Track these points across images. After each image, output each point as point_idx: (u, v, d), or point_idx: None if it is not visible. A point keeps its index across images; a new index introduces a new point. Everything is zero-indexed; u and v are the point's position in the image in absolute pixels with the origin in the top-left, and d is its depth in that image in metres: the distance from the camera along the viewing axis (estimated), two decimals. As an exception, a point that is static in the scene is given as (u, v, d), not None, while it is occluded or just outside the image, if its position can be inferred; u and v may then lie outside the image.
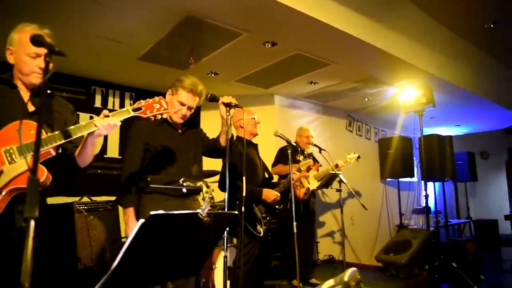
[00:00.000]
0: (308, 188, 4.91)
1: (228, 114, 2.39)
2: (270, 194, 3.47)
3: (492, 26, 5.33)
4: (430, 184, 8.82)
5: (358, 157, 5.46)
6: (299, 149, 3.73)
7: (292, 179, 3.45)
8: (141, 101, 1.99)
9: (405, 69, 5.15)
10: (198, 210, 1.51)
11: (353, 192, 4.87)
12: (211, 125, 6.24)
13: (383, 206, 7.95)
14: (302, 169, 3.90)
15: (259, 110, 6.11)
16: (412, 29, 5.03)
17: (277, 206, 3.56)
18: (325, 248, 6.60)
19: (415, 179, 8.13)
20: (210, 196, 1.54)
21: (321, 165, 5.23)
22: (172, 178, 2.01)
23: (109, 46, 4.22)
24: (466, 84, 6.13)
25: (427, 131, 8.90)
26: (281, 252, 4.96)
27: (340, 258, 5.82)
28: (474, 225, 8.70)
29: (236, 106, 2.47)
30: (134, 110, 1.91)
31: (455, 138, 8.40)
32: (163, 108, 1.98)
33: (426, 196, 5.70)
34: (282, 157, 4.85)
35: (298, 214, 3.73)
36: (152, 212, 1.30)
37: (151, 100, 1.98)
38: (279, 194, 3.52)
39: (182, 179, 1.58)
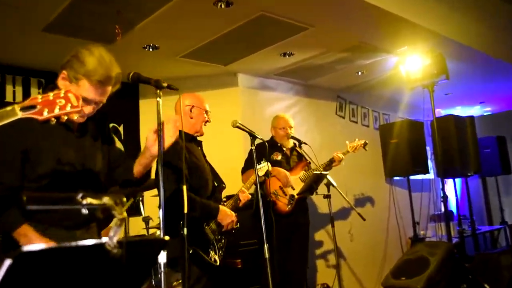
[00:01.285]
0: (292, 196, 4.86)
1: (158, 97, 2.30)
2: (226, 216, 3.45)
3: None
4: (449, 182, 8.89)
5: (365, 143, 5.48)
6: (266, 145, 3.66)
7: (257, 185, 3.39)
8: (37, 96, 1.71)
9: (408, 30, 5.14)
10: (104, 239, 1.37)
11: (345, 198, 4.84)
12: (155, 119, 6.15)
13: (390, 213, 7.98)
14: (260, 174, 3.85)
15: (218, 94, 6.06)
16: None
17: (234, 226, 3.54)
18: (318, 275, 6.57)
19: (430, 175, 8.19)
20: (121, 218, 1.40)
21: (309, 163, 5.20)
22: (66, 193, 1.88)
23: (0, 13, 4.04)
24: (489, 48, 6.18)
25: (442, 112, 8.98)
26: (260, 285, 4.93)
27: (336, 286, 5.78)
28: (511, 231, 8.83)
29: (169, 87, 2.37)
30: (24, 109, 1.70)
31: (479, 119, 8.51)
32: (69, 105, 1.73)
33: (445, 198, 5.71)
34: (250, 161, 4.79)
35: (281, 231, 3.77)
36: (25, 247, 1.15)
37: (52, 94, 1.72)
38: (235, 217, 3.51)
39: (80, 195, 1.43)
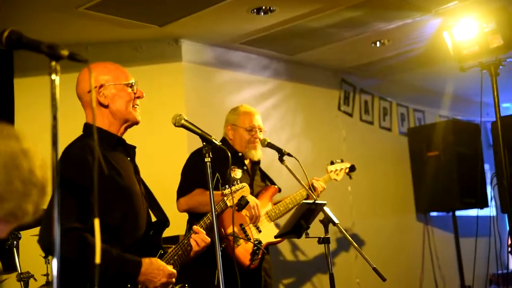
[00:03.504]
0: (258, 243, 4.86)
1: (53, 73, 2.25)
2: (155, 273, 3.34)
3: None
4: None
5: (351, 168, 5.54)
6: (229, 155, 3.66)
7: (215, 223, 3.38)
8: None
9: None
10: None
11: (354, 244, 4.81)
12: (40, 109, 6.09)
13: (425, 269, 8.05)
14: (228, 204, 3.85)
15: (149, 72, 6.07)
16: None
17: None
18: None
19: (489, 211, 8.24)
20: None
21: (279, 190, 5.21)
22: None
23: None
24: None
25: (510, 108, 9.09)
26: None
27: None
28: None
29: (72, 56, 2.32)
30: None
31: None
32: None
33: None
34: (195, 173, 4.78)
35: None
36: None
37: None
38: (175, 273, 3.43)
39: None
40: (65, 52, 2.37)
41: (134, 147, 3.61)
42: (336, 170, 5.48)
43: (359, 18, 6.08)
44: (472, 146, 7.84)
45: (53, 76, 2.31)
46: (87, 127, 3.47)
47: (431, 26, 6.34)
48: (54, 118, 2.30)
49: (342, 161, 5.59)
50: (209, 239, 3.64)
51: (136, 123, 3.51)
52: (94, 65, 3.45)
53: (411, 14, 6.04)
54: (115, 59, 5.34)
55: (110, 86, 3.43)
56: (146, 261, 3.31)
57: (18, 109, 6.03)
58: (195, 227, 3.62)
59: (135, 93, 3.47)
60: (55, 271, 2.12)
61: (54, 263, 2.12)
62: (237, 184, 3.92)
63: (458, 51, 5.46)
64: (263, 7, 5.67)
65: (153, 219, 3.61)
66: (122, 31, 5.93)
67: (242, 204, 3.85)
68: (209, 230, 3.64)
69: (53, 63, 2.36)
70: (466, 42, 5.40)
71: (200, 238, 3.59)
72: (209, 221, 3.69)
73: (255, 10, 5.72)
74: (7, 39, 2.37)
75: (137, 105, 3.50)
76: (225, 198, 3.77)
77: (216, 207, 3.63)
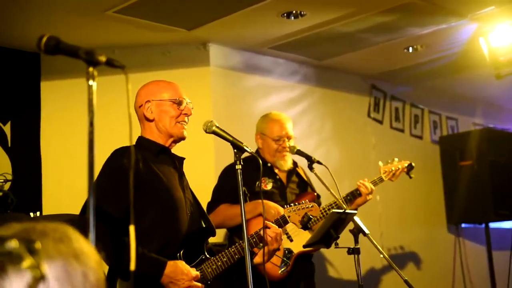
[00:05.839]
0: (289, 252, 4.90)
1: (91, 80, 2.29)
2: (179, 276, 3.42)
3: None
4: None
5: (410, 167, 5.45)
6: (260, 162, 3.67)
7: (251, 240, 3.45)
8: None
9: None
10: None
11: (384, 254, 4.83)
12: (68, 113, 6.15)
13: (456, 282, 8.03)
14: (290, 221, 3.93)
15: (177, 76, 6.05)
16: None
17: None
18: None
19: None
20: (39, 274, 1.44)
21: (319, 196, 5.23)
22: None
23: None
24: None
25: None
26: None
27: None
28: None
29: (110, 62, 2.36)
30: None
31: None
32: None
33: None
34: (228, 186, 4.83)
35: None
36: None
37: None
38: (196, 275, 3.50)
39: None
40: (102, 58, 2.41)
41: (183, 158, 3.82)
42: (391, 170, 5.33)
43: (391, 23, 6.10)
44: (507, 156, 7.82)
45: (90, 82, 2.35)
46: (139, 139, 3.71)
47: (467, 32, 6.32)
48: (91, 124, 2.34)
49: (396, 159, 5.41)
50: (280, 230, 3.70)
51: (182, 138, 3.72)
52: (152, 82, 3.77)
53: (445, 19, 6.05)
54: (142, 63, 5.45)
55: (156, 102, 3.62)
56: (170, 263, 3.43)
57: (45, 111, 6.14)
58: (267, 222, 3.67)
59: (182, 110, 3.59)
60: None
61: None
62: (304, 203, 3.96)
63: (495, 58, 5.47)
64: (294, 11, 5.69)
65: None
66: (150, 34, 5.98)
67: (305, 221, 3.89)
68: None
69: (91, 69, 2.40)
70: (503, 49, 5.41)
71: (271, 231, 3.65)
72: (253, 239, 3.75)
73: (285, 15, 5.74)
74: (45, 45, 2.43)
75: (184, 121, 3.68)
76: (287, 215, 3.83)
77: (274, 221, 3.80)
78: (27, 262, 1.47)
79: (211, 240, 3.89)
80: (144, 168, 3.43)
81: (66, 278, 1.67)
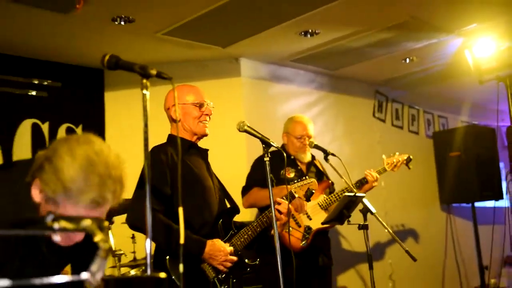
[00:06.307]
0: (309, 228, 4.92)
1: (144, 90, 2.32)
2: (216, 252, 3.47)
3: None
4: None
5: (408, 159, 5.43)
6: (284, 155, 3.68)
7: (275, 217, 3.42)
8: None
9: (477, 2, 5.17)
10: (84, 275, 1.45)
11: (388, 229, 4.84)
12: (125, 118, 6.22)
13: (447, 253, 8.01)
14: (296, 195, 3.85)
15: (213, 86, 6.12)
16: None
17: (247, 261, 3.59)
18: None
19: (504, 202, 8.18)
20: (108, 247, 1.48)
21: (332, 183, 5.22)
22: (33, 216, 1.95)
23: None
24: None
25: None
26: None
27: None
28: None
29: (159, 75, 2.39)
30: None
31: None
32: None
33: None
34: (258, 174, 4.83)
35: (298, 272, 3.77)
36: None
37: None
38: (231, 250, 3.54)
39: (51, 217, 1.50)
40: (153, 72, 2.48)
41: (207, 150, 3.79)
42: (393, 162, 5.31)
43: (391, 39, 6.08)
44: (489, 148, 7.79)
45: (144, 91, 2.41)
46: (169, 137, 3.73)
47: (454, 45, 6.31)
48: (146, 125, 2.40)
49: (398, 153, 5.39)
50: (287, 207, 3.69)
51: (205, 135, 3.71)
52: (177, 87, 3.59)
53: (436, 35, 6.03)
54: (185, 75, 5.47)
55: (181, 105, 3.60)
56: (209, 242, 3.47)
57: (108, 115, 6.29)
58: (278, 198, 3.69)
59: (203, 111, 3.62)
60: (148, 247, 2.23)
61: (147, 242, 2.23)
62: (306, 179, 3.92)
63: (478, 66, 5.43)
64: (310, 30, 5.70)
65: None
66: (191, 51, 6.01)
67: (308, 194, 3.87)
68: (263, 221, 3.73)
69: (144, 80, 2.46)
70: (484, 59, 5.36)
71: (282, 206, 3.65)
72: (270, 214, 3.74)
73: (303, 33, 5.75)
74: (108, 62, 2.50)
75: (206, 120, 3.67)
76: (293, 191, 3.78)
77: (285, 197, 3.71)
78: (98, 236, 1.52)
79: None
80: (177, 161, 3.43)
81: (88, 166, 2.03)
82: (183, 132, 3.63)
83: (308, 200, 4.05)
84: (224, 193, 3.78)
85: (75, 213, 2.00)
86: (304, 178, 3.93)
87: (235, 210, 3.79)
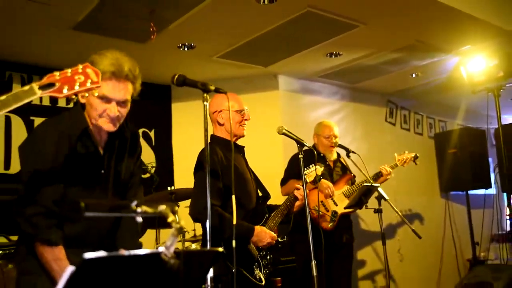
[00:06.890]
0: (335, 212, 4.89)
1: (205, 101, 2.37)
2: (263, 236, 3.48)
3: None
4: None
5: (415, 157, 5.44)
6: (315, 153, 3.67)
7: (305, 194, 3.41)
8: (55, 73, 1.80)
9: (471, 26, 5.13)
10: (161, 249, 1.45)
11: (398, 213, 4.81)
12: (187, 124, 6.28)
13: (446, 232, 7.91)
14: (308, 180, 3.83)
15: (256, 98, 6.14)
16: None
17: (279, 239, 3.58)
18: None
19: (492, 190, 8.08)
20: (178, 226, 1.48)
21: (354, 176, 5.21)
22: (121, 202, 1.98)
23: (30, 11, 4.18)
24: None
25: (508, 118, 8.85)
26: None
27: (385, 313, 5.76)
28: None
29: (217, 90, 2.44)
30: (43, 87, 1.77)
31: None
32: (90, 81, 1.79)
33: (511, 215, 5.63)
34: (293, 169, 4.85)
35: (326, 247, 3.81)
36: (87, 255, 1.24)
37: (70, 70, 1.80)
38: (275, 236, 3.55)
39: (135, 202, 1.51)
40: (212, 87, 2.53)
41: (243, 147, 3.73)
42: (403, 159, 5.36)
43: (401, 58, 6.05)
44: (480, 146, 7.71)
45: (205, 103, 2.47)
46: (212, 137, 3.61)
47: (451, 63, 6.26)
48: (206, 130, 2.45)
49: (407, 152, 5.45)
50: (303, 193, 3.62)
51: (242, 136, 3.64)
52: (219, 95, 3.49)
53: (437, 54, 5.99)
54: (233, 90, 5.40)
55: (226, 111, 3.54)
56: (257, 228, 3.47)
57: (175, 122, 6.43)
58: (297, 185, 3.69)
59: (243, 116, 3.59)
60: (208, 225, 2.27)
61: (208, 223, 2.25)
62: (311, 167, 3.89)
63: (471, 80, 5.39)
64: (334, 52, 5.72)
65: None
66: (239, 70, 6.06)
67: (316, 180, 3.87)
68: (291, 202, 3.73)
69: (205, 94, 2.51)
70: (476, 73, 5.32)
71: (299, 193, 3.64)
72: (292, 198, 3.71)
73: (328, 54, 5.77)
74: (177, 80, 2.57)
75: (244, 124, 3.62)
76: (306, 177, 3.73)
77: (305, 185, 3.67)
78: (171, 218, 1.53)
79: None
80: (225, 160, 3.40)
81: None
82: (225, 133, 3.58)
83: (314, 183, 4.00)
84: (257, 183, 3.75)
85: (106, 87, 2.28)
86: (310, 166, 3.87)
87: (267, 196, 3.77)
